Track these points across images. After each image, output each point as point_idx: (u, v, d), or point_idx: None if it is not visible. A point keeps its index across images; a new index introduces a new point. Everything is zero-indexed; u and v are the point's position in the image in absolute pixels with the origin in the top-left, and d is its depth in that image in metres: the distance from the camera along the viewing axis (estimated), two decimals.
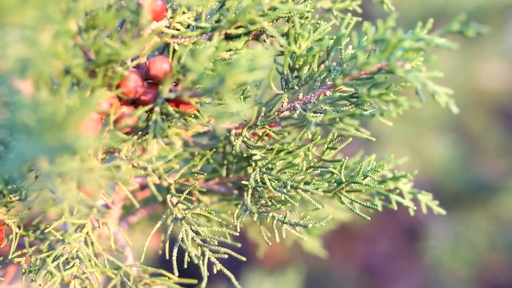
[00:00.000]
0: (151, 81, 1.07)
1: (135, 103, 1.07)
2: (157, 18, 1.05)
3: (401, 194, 1.26)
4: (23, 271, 1.13)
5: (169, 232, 1.16)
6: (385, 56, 1.02)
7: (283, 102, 1.14)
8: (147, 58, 1.09)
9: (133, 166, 1.08)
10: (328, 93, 1.11)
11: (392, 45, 1.01)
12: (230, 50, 1.07)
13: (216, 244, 1.14)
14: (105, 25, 0.98)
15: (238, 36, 1.09)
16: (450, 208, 3.59)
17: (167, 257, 1.16)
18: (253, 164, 1.16)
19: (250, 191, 1.15)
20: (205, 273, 1.12)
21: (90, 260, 1.14)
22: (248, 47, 1.11)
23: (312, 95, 1.11)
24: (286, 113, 1.14)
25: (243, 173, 1.22)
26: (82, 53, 1.00)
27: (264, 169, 1.15)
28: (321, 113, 1.10)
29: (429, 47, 1.04)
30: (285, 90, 1.13)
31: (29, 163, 1.03)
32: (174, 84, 1.06)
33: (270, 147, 1.15)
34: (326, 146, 1.17)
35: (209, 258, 1.13)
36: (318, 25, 1.12)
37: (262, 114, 1.14)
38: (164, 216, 1.17)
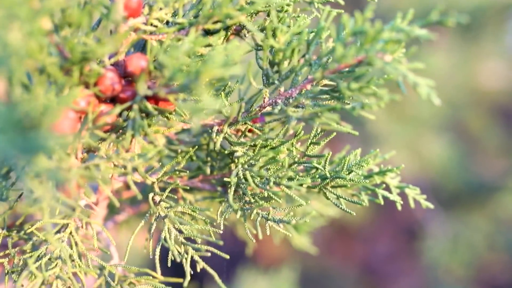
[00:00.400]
0: (129, 79, 1.06)
1: (113, 101, 1.06)
2: (133, 15, 1.04)
3: (388, 189, 1.24)
4: (6, 272, 1.12)
5: (152, 230, 1.15)
6: (364, 48, 1.01)
7: (264, 98, 1.13)
8: (126, 55, 1.08)
9: (114, 165, 1.07)
10: (309, 87, 1.09)
11: (370, 37, 1.00)
12: (209, 46, 1.06)
13: (200, 242, 1.13)
14: (79, 22, 0.98)
15: (217, 32, 1.08)
16: (449, 208, 3.58)
17: (151, 256, 1.15)
18: (236, 160, 1.15)
19: (232, 188, 1.14)
20: (187, 270, 1.11)
21: (72, 260, 1.13)
22: (228, 43, 1.10)
23: (293, 89, 1.10)
24: (268, 108, 1.13)
25: (227, 170, 1.21)
26: (58, 52, 0.99)
27: (246, 166, 1.14)
28: (302, 108, 1.09)
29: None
30: (266, 85, 1.12)
31: (7, 163, 1.02)
32: (153, 81, 1.05)
33: (252, 143, 1.14)
34: (309, 141, 1.16)
35: (193, 257, 1.12)
36: (298, 19, 1.11)
37: (243, 110, 1.13)
38: (147, 215, 1.16)
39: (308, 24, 1.10)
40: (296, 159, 1.15)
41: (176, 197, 1.20)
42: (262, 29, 1.10)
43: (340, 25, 1.05)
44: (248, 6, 1.04)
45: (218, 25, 1.06)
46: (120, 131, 1.08)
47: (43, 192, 0.95)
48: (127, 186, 1.33)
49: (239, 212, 1.14)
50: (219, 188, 1.23)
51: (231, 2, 1.02)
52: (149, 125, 1.09)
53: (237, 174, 1.13)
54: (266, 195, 1.14)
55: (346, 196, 1.19)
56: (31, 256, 1.10)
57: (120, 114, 1.09)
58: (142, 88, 1.01)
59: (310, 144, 1.16)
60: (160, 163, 1.16)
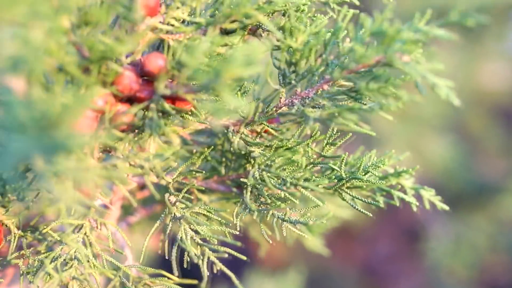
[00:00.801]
0: (147, 78, 1.05)
1: (131, 100, 1.05)
2: (151, 14, 1.03)
3: (403, 190, 1.24)
4: (21, 272, 1.12)
5: (168, 231, 1.14)
6: (383, 48, 1.01)
7: (281, 98, 1.12)
8: (142, 54, 1.07)
9: (130, 164, 1.07)
10: (326, 87, 1.09)
11: (389, 37, 1.00)
12: (226, 45, 1.05)
13: (216, 243, 1.12)
14: (98, 21, 0.97)
15: (233, 31, 1.07)
16: (451, 209, 3.57)
17: (167, 257, 1.14)
18: (252, 161, 1.14)
19: (249, 189, 1.13)
20: (205, 272, 1.10)
21: (88, 261, 1.12)
22: (244, 42, 1.10)
23: (310, 90, 1.10)
24: (285, 108, 1.13)
25: (242, 171, 1.21)
26: (76, 50, 0.98)
27: (263, 166, 1.13)
28: (319, 108, 1.09)
29: (429, 40, 1.02)
30: (283, 85, 1.12)
31: (25, 163, 1.02)
32: (170, 80, 1.04)
33: (269, 144, 1.14)
34: (325, 141, 1.15)
35: (209, 258, 1.11)
36: (314, 18, 1.10)
37: (260, 110, 1.13)
38: (162, 215, 1.15)
39: (326, 24, 1.10)
40: (312, 160, 1.15)
41: (191, 197, 1.19)
42: (279, 29, 1.10)
43: (359, 25, 1.04)
44: (266, 5, 1.03)
45: (236, 25, 1.05)
46: (137, 130, 1.07)
47: (62, 192, 0.95)
48: (140, 187, 1.33)
49: (256, 214, 1.13)
50: (234, 189, 1.22)
51: (249, 1, 1.02)
52: (166, 125, 1.08)
53: (254, 175, 1.13)
54: (282, 196, 1.13)
55: (360, 197, 1.19)
56: (47, 257, 1.10)
57: (135, 114, 1.08)
58: (161, 87, 1.01)
59: (326, 144, 1.15)
60: (176, 164, 1.15)
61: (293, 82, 1.10)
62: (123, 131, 1.06)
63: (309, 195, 1.13)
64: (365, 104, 1.07)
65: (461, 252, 3.49)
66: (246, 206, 1.14)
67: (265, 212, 1.13)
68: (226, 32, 1.09)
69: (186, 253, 1.11)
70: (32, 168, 1.01)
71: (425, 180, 3.50)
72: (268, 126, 1.14)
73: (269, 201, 1.13)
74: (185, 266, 1.11)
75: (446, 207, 1.22)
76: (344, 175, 1.15)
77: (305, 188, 1.11)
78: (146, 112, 1.05)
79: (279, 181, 1.12)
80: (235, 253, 1.12)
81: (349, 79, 1.06)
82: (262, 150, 1.15)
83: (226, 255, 1.10)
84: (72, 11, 0.95)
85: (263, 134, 1.16)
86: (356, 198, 1.17)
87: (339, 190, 1.18)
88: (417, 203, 1.20)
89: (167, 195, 1.15)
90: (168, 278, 1.16)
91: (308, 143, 1.15)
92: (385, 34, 1.00)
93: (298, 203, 1.18)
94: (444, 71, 1.04)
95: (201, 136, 1.24)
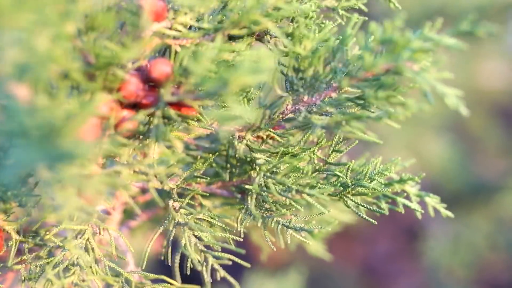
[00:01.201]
0: (152, 84, 1.04)
1: (136, 106, 1.04)
2: (158, 19, 1.02)
3: (407, 197, 1.23)
4: (22, 278, 1.10)
5: (171, 238, 1.13)
6: (392, 57, 1.00)
7: (287, 105, 1.11)
8: (148, 60, 1.06)
9: (134, 171, 1.06)
10: (333, 95, 1.08)
11: (400, 46, 0.98)
12: (233, 52, 1.04)
13: (220, 250, 1.11)
14: (104, 27, 0.96)
15: (241, 37, 1.06)
16: (450, 208, 3.57)
17: (168, 263, 1.13)
18: (257, 168, 1.13)
19: (254, 196, 1.12)
20: (207, 280, 1.09)
21: (90, 267, 1.11)
22: (251, 48, 1.09)
23: (317, 97, 1.08)
24: (290, 115, 1.12)
25: (246, 177, 1.20)
26: (81, 57, 0.97)
27: (268, 173, 1.12)
28: (326, 115, 1.08)
29: (438, 48, 1.02)
30: (290, 92, 1.11)
31: (28, 170, 1.01)
32: (176, 87, 1.03)
33: (274, 151, 1.13)
34: (331, 149, 1.14)
35: (212, 265, 1.10)
36: (323, 25, 1.09)
37: (266, 116, 1.12)
38: (165, 221, 1.14)
39: (335, 32, 1.09)
40: (317, 167, 1.14)
41: (194, 203, 1.18)
42: (287, 35, 1.08)
43: (367, 33, 1.03)
44: (275, 12, 1.02)
45: (244, 31, 1.04)
46: (141, 137, 1.06)
47: (65, 199, 0.94)
48: (141, 191, 1.32)
49: (260, 220, 1.13)
50: (237, 195, 1.21)
51: (258, 8, 1.00)
52: (170, 131, 1.07)
53: (259, 182, 1.12)
54: (287, 203, 1.12)
55: (364, 204, 1.18)
56: (48, 263, 1.09)
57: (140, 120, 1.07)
58: (167, 94, 0.99)
59: (332, 151, 1.14)
60: (180, 170, 1.14)
61: (300, 89, 1.09)
62: (127, 137, 1.05)
63: (314, 202, 1.12)
64: (373, 112, 1.06)
65: (460, 251, 3.49)
66: (250, 212, 1.13)
67: (269, 219, 1.12)
68: (232, 38, 1.08)
69: (189, 260, 1.10)
70: (34, 174, 1.00)
71: (424, 180, 3.49)
72: (273, 133, 1.13)
73: (273, 208, 1.12)
74: (186, 272, 1.10)
75: (451, 215, 1.22)
76: (349, 183, 1.14)
77: (311, 195, 1.10)
78: (150, 119, 1.04)
79: (284, 188, 1.11)
80: (238, 260, 1.11)
81: (357, 87, 1.05)
82: (267, 156, 1.13)
83: (230, 262, 1.09)
84: (78, 17, 0.94)
85: (268, 140, 1.15)
86: (361, 206, 1.16)
87: (343, 197, 1.17)
88: (422, 211, 1.19)
89: (171, 201, 1.14)
90: (170, 283, 1.15)
91: (313, 150, 1.14)
92: (395, 42, 0.99)
93: (301, 210, 1.17)
94: (452, 78, 1.03)
95: (205, 142, 1.22)
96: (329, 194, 1.17)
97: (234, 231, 1.16)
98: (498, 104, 4.06)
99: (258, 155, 1.13)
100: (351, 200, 1.17)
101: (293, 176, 1.12)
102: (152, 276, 1.17)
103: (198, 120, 1.10)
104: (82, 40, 0.96)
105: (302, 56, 1.06)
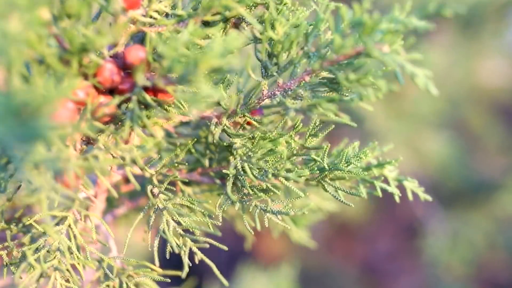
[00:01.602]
0: (129, 71, 1.06)
1: (112, 92, 1.06)
2: (132, 6, 1.04)
3: (386, 182, 1.24)
4: (4, 264, 1.12)
5: (151, 223, 1.15)
6: (362, 38, 1.01)
7: (263, 90, 1.13)
8: (124, 47, 1.08)
9: (112, 156, 1.08)
10: (307, 79, 1.10)
11: (368, 28, 1.00)
12: (207, 37, 1.06)
13: (199, 234, 1.13)
14: (79, 13, 0.98)
15: (215, 24, 1.08)
16: (449, 206, 3.57)
17: (150, 249, 1.15)
18: (234, 153, 1.15)
19: (231, 180, 1.14)
20: (185, 262, 1.11)
21: (71, 253, 1.13)
22: (226, 35, 1.11)
23: (292, 81, 1.10)
24: (267, 101, 1.13)
25: (225, 163, 1.22)
26: (57, 42, 0.99)
27: (244, 158, 1.14)
28: (301, 99, 1.10)
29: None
30: (265, 77, 1.12)
31: (4, 153, 1.03)
32: (153, 73, 1.05)
33: (251, 135, 1.15)
34: (308, 133, 1.16)
35: (191, 249, 1.12)
36: (296, 11, 1.11)
37: (242, 102, 1.13)
38: (146, 207, 1.16)
39: (307, 16, 1.10)
40: (294, 152, 1.15)
41: (175, 190, 1.20)
42: (261, 22, 1.10)
43: (339, 16, 1.05)
44: None
45: (217, 17, 1.06)
46: (119, 123, 1.08)
47: (41, 182, 0.96)
48: (125, 180, 1.34)
49: (238, 205, 1.14)
50: (217, 181, 1.23)
51: None
52: (148, 117, 1.09)
53: (235, 166, 1.13)
54: (264, 187, 1.14)
55: (344, 189, 1.19)
56: (29, 248, 1.11)
57: (119, 106, 1.09)
58: (141, 78, 1.01)
59: (308, 136, 1.16)
60: (159, 156, 1.16)
61: (275, 74, 1.11)
62: (105, 123, 1.07)
63: (292, 186, 1.13)
64: (346, 96, 1.08)
65: (459, 248, 3.49)
66: (228, 197, 1.14)
67: (247, 203, 1.14)
68: (208, 25, 1.09)
69: (168, 244, 1.12)
70: (10, 158, 1.02)
71: (423, 178, 3.51)
72: (250, 118, 1.15)
73: (251, 192, 1.13)
74: (167, 257, 1.12)
75: (429, 198, 1.23)
76: (326, 166, 1.16)
77: (287, 179, 1.11)
78: (128, 104, 1.06)
79: (261, 172, 1.13)
80: (217, 244, 1.12)
81: (330, 70, 1.07)
82: (244, 141, 1.15)
83: (207, 246, 1.11)
84: (53, 3, 0.96)
85: (246, 126, 1.17)
86: (339, 190, 1.18)
87: (321, 181, 1.18)
88: (400, 194, 1.20)
89: (150, 187, 1.15)
90: (152, 269, 1.17)
91: (291, 135, 1.15)
92: (364, 24, 1.01)
93: (282, 196, 1.19)
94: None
95: (185, 129, 1.24)
96: (307, 179, 1.18)
97: (216, 217, 1.17)
98: (498, 102, 4.06)
99: (235, 140, 1.15)
100: (330, 184, 1.18)
101: (270, 160, 1.13)
102: (134, 261, 1.18)
103: (176, 106, 1.11)
104: (58, 26, 0.98)
105: (275, 40, 1.08)
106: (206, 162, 1.23)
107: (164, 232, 1.12)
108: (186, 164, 1.18)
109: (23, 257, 1.11)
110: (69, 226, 1.15)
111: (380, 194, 1.19)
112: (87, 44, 0.98)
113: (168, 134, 1.23)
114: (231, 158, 1.18)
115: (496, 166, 3.85)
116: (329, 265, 3.49)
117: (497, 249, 3.55)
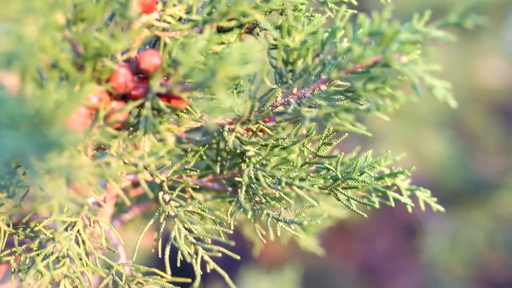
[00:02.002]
0: (142, 76, 1.04)
1: (125, 98, 1.04)
2: (147, 11, 1.02)
3: (398, 191, 1.23)
4: (12, 270, 1.11)
5: (161, 230, 1.14)
6: (381, 49, 1.00)
7: (277, 97, 1.11)
8: (137, 52, 1.06)
9: (124, 162, 1.06)
10: (323, 87, 1.08)
11: (388, 38, 0.99)
12: (222, 44, 1.04)
13: (210, 242, 1.11)
14: (93, 17, 0.96)
15: (230, 29, 1.06)
16: (448, 206, 3.56)
17: (160, 256, 1.14)
18: (247, 160, 1.14)
19: (243, 188, 1.12)
20: (198, 271, 1.09)
21: (80, 259, 1.11)
22: (241, 41, 1.09)
23: (306, 89, 1.09)
24: (281, 108, 1.12)
25: (237, 170, 1.20)
26: (71, 47, 0.97)
27: (258, 166, 1.12)
28: (315, 108, 1.08)
29: (427, 40, 1.01)
30: (279, 84, 1.11)
31: (17, 159, 1.01)
32: (166, 78, 1.03)
33: (264, 143, 1.13)
34: (321, 141, 1.15)
35: (202, 257, 1.11)
36: (312, 18, 1.09)
37: (256, 109, 1.12)
38: (156, 213, 1.14)
39: (324, 24, 1.09)
40: (307, 160, 1.14)
41: (185, 196, 1.19)
42: (277, 28, 1.09)
43: (356, 25, 1.03)
44: (263, 4, 1.02)
45: (233, 23, 1.04)
46: (131, 128, 1.06)
47: (54, 190, 0.94)
48: (134, 185, 1.32)
49: (250, 213, 1.13)
50: (229, 188, 1.21)
51: (246, 0, 1.01)
52: (160, 123, 1.07)
53: (248, 174, 1.12)
54: (277, 195, 1.12)
55: (355, 197, 1.18)
56: (38, 255, 1.09)
57: (130, 112, 1.07)
58: (156, 85, 1.00)
59: (322, 144, 1.15)
60: (170, 162, 1.14)
61: (289, 81, 1.09)
62: (117, 129, 1.05)
63: (304, 195, 1.12)
64: (362, 105, 1.06)
65: (459, 248, 3.49)
66: (240, 205, 1.13)
67: (259, 211, 1.12)
68: (222, 31, 1.08)
69: (179, 252, 1.10)
70: (23, 165, 1.00)
71: (422, 177, 3.50)
72: (263, 125, 1.13)
73: (263, 200, 1.12)
74: (178, 265, 1.10)
75: (442, 209, 1.22)
76: (339, 175, 1.15)
77: (300, 188, 1.10)
78: (140, 110, 1.04)
79: (274, 180, 1.11)
80: (229, 253, 1.11)
81: (346, 79, 1.05)
82: (257, 149, 1.14)
83: (220, 254, 1.10)
84: (67, 7, 0.94)
85: (258, 133, 1.15)
86: (351, 199, 1.16)
87: (334, 190, 1.17)
88: (413, 204, 1.19)
89: (161, 193, 1.14)
90: (161, 276, 1.16)
91: (303, 143, 1.14)
92: (383, 34, 0.99)
93: (292, 203, 1.18)
94: (441, 70, 1.03)
95: (196, 134, 1.23)
96: (319, 188, 1.17)
97: (225, 224, 1.16)
98: (497, 102, 4.06)
99: (248, 148, 1.14)
100: (342, 193, 1.17)
101: (283, 168, 1.12)
102: (143, 268, 1.17)
103: (188, 112, 1.10)
104: (72, 30, 0.97)
105: (291, 47, 1.06)
106: (217, 169, 1.21)
107: (175, 239, 1.10)
108: (197, 170, 1.16)
109: (32, 263, 1.10)
110: (78, 231, 1.13)
111: (393, 204, 1.18)
112: (102, 49, 0.97)
113: (178, 140, 1.22)
114: (243, 165, 1.17)
115: (496, 165, 3.85)
116: (328, 265, 3.48)
117: (497, 249, 3.56)
